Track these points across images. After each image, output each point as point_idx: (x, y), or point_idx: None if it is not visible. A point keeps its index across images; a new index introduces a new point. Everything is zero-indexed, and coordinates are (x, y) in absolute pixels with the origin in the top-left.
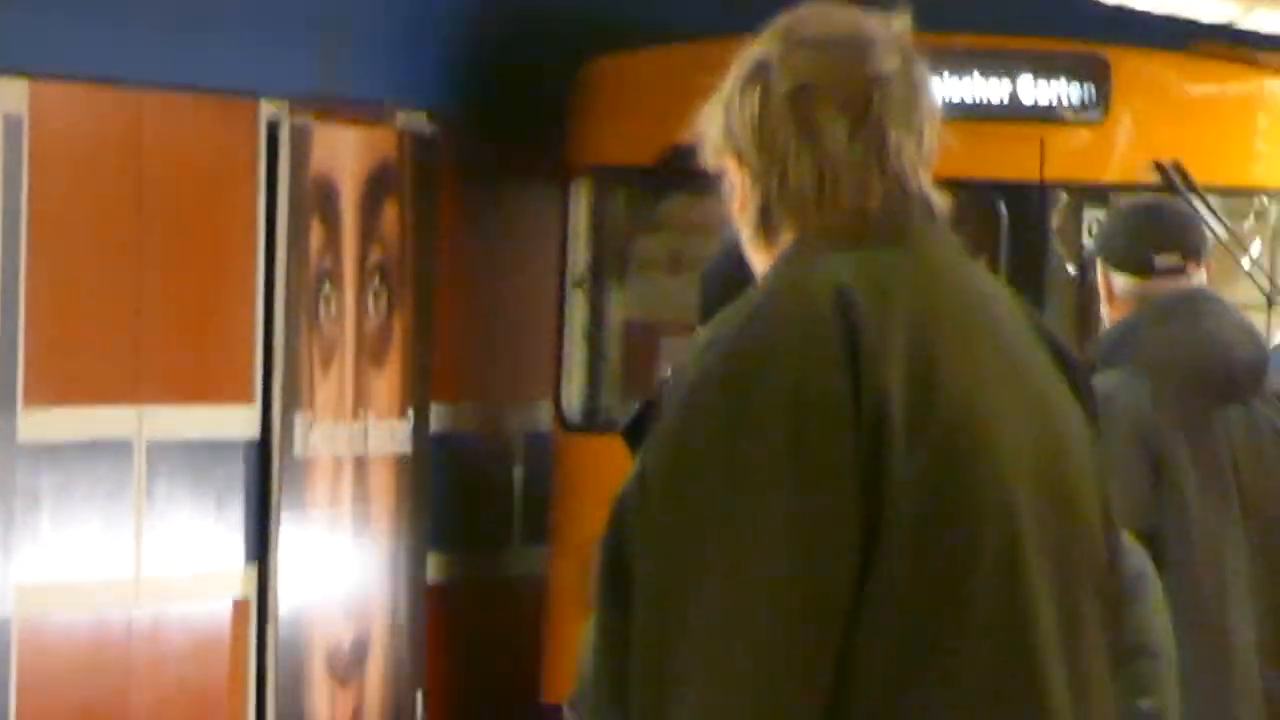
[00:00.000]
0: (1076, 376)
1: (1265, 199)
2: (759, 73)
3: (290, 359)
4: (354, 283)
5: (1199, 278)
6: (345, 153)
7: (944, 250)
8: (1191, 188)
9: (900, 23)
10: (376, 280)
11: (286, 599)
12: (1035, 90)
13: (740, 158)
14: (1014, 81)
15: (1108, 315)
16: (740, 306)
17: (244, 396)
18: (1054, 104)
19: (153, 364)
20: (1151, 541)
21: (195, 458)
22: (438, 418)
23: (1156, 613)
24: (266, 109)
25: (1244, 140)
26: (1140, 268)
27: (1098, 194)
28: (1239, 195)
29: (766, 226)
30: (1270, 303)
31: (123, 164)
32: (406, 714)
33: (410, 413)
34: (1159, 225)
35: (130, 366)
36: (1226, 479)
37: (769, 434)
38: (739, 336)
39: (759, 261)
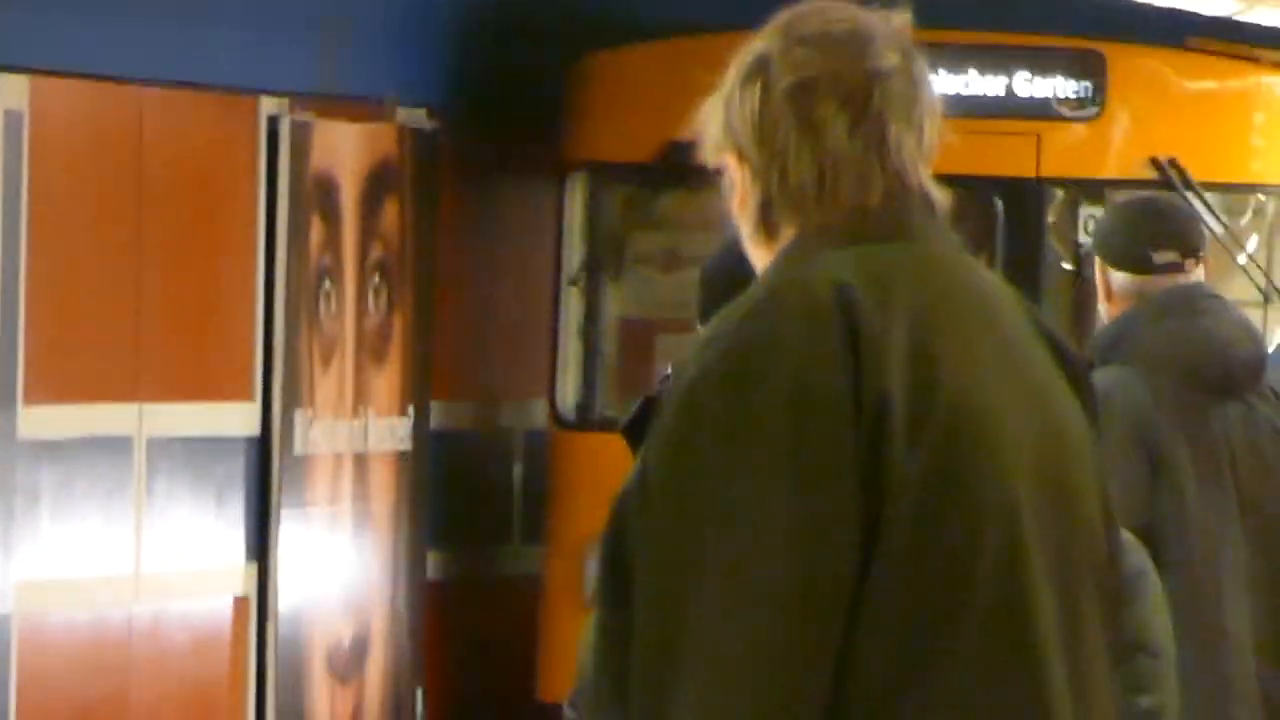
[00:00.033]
0: (1076, 373)
1: (1262, 196)
2: (759, 69)
3: (290, 356)
4: (354, 280)
5: (1197, 275)
6: (345, 149)
7: (944, 246)
8: (1188, 184)
9: (900, 18)
10: (377, 277)
11: (286, 596)
12: (1031, 86)
13: (740, 154)
14: (1010, 78)
15: (1106, 312)
16: (741, 304)
17: (244, 393)
18: (1050, 100)
19: (153, 361)
20: (1149, 538)
21: (195, 455)
22: (437, 415)
23: (1156, 611)
24: (267, 105)
25: (1241, 137)
26: (1138, 265)
27: (1094, 190)
28: (1236, 192)
29: (767, 223)
30: (1267, 300)
31: (123, 160)
32: (406, 712)
33: (410, 410)
34: (1157, 222)
35: (130, 363)
36: (1224, 476)
37: (769, 431)
38: (739, 333)
39: (759, 258)
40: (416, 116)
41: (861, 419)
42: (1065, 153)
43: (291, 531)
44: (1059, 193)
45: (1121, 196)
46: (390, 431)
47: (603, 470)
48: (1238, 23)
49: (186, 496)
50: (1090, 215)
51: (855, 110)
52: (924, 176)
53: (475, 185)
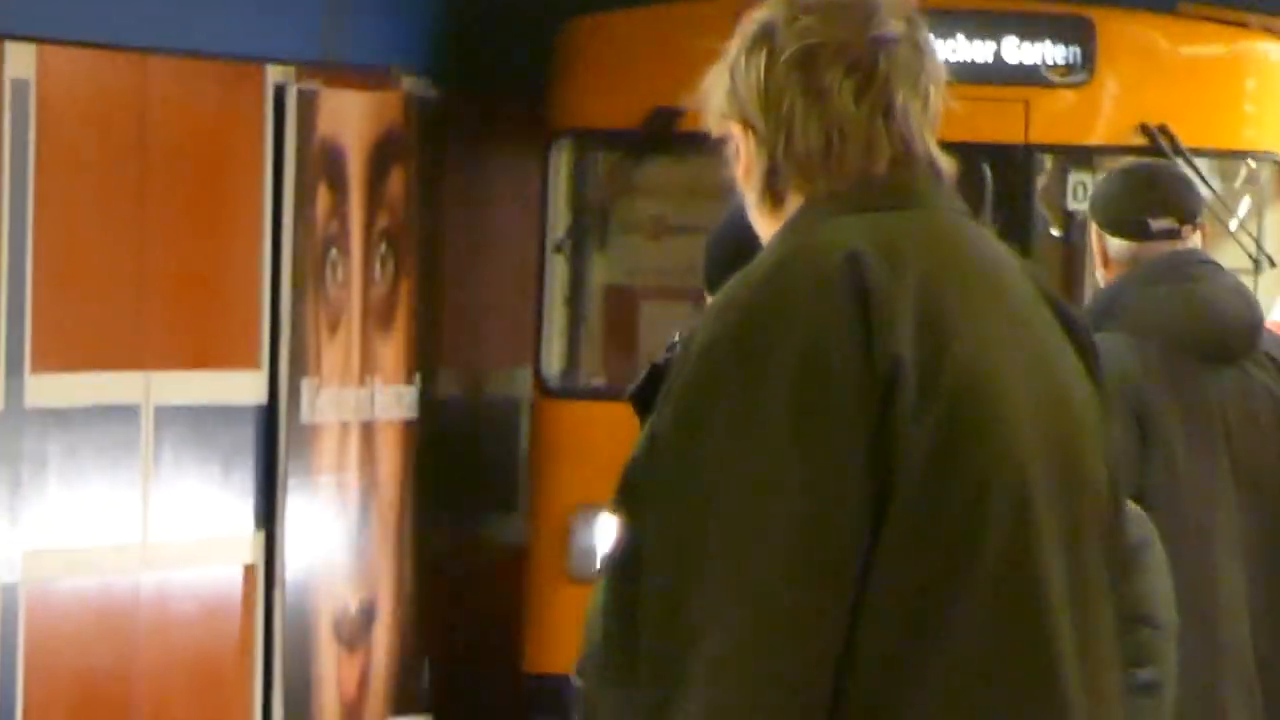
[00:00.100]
0: (1080, 338)
1: (1253, 162)
2: (764, 36)
3: (297, 324)
4: (360, 248)
5: (1194, 241)
6: (352, 118)
7: (950, 213)
8: (1178, 151)
9: None
10: (383, 246)
11: (293, 564)
12: (1020, 52)
13: (745, 122)
14: (999, 44)
15: (1102, 278)
16: (751, 271)
17: (251, 362)
18: (1039, 66)
19: (159, 329)
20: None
21: (202, 423)
22: (443, 383)
23: (1159, 583)
24: (273, 74)
25: (1231, 103)
26: (1135, 231)
27: (1083, 157)
28: (1226, 158)
29: (772, 191)
30: (1258, 267)
31: (130, 129)
32: (412, 680)
33: (417, 378)
34: (1155, 189)
35: (137, 332)
36: (1218, 444)
37: (781, 397)
38: (751, 300)
39: (764, 227)
40: (422, 85)
41: (872, 385)
42: (1054, 119)
43: (298, 499)
44: (1048, 159)
45: (1111, 163)
46: (397, 399)
47: (587, 439)
48: None
49: (193, 465)
50: (1080, 182)
51: (861, 77)
52: (930, 143)
53: (477, 153)
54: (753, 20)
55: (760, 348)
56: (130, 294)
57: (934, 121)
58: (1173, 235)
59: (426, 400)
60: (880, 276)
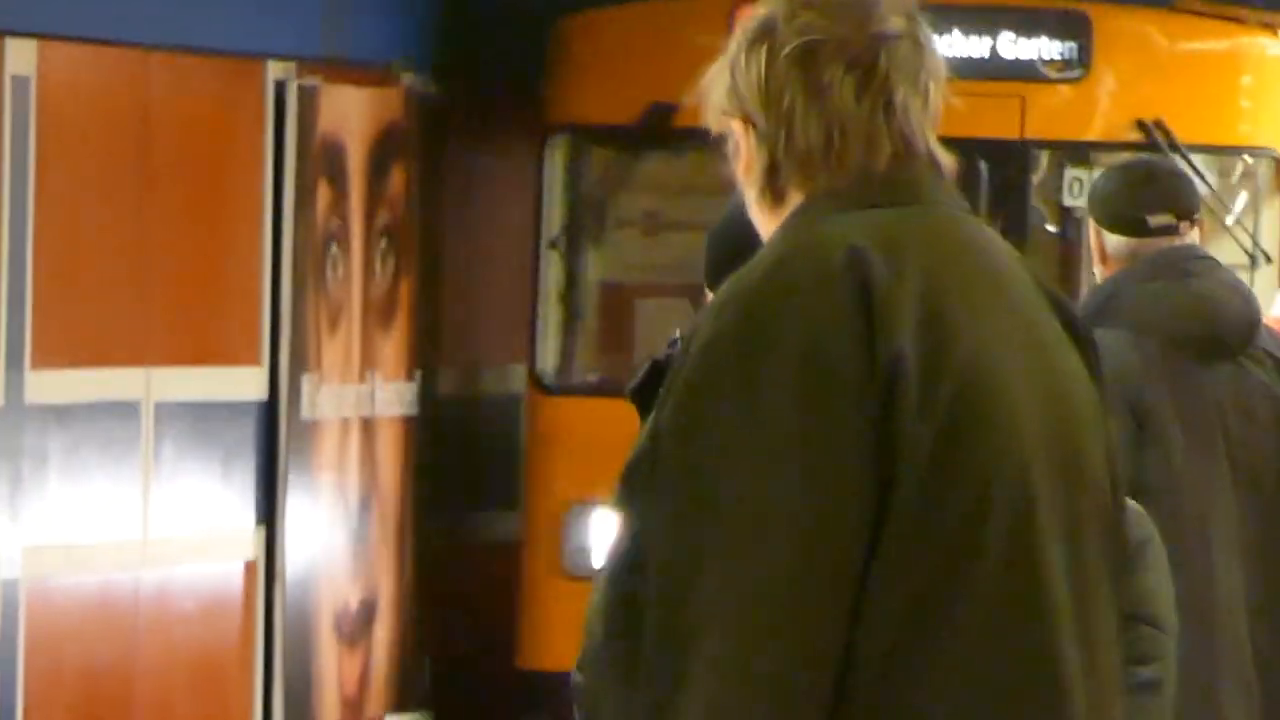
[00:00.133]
0: (1080, 335)
1: (1249, 158)
2: (765, 33)
3: (297, 320)
4: (361, 244)
5: (1191, 237)
6: (352, 114)
7: (951, 209)
8: (1174, 146)
9: None
10: (383, 242)
11: (294, 560)
12: (1016, 48)
13: (746, 118)
14: (995, 39)
15: (1100, 274)
16: (753, 267)
17: (251, 358)
18: (1035, 61)
19: (160, 325)
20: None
21: (203, 419)
22: (444, 379)
23: (1160, 583)
24: (274, 69)
25: (1228, 98)
26: (1133, 227)
27: (1079, 152)
28: (1223, 154)
29: (773, 187)
30: (1254, 262)
31: (130, 125)
32: (412, 676)
33: (417, 374)
34: (1152, 185)
35: (138, 328)
36: (1215, 440)
37: (782, 393)
38: (752, 297)
39: (764, 224)
40: (422, 81)
41: (874, 381)
42: (1050, 114)
43: (299, 496)
44: (1044, 155)
45: (1107, 159)
46: (397, 395)
47: (582, 435)
48: None
49: (194, 461)
50: (1076, 177)
51: (862, 74)
52: (931, 140)
53: (477, 150)
54: (753, 17)
55: (761, 345)
56: (131, 290)
57: (934, 118)
58: (1170, 231)
59: (427, 397)
60: (881, 273)
